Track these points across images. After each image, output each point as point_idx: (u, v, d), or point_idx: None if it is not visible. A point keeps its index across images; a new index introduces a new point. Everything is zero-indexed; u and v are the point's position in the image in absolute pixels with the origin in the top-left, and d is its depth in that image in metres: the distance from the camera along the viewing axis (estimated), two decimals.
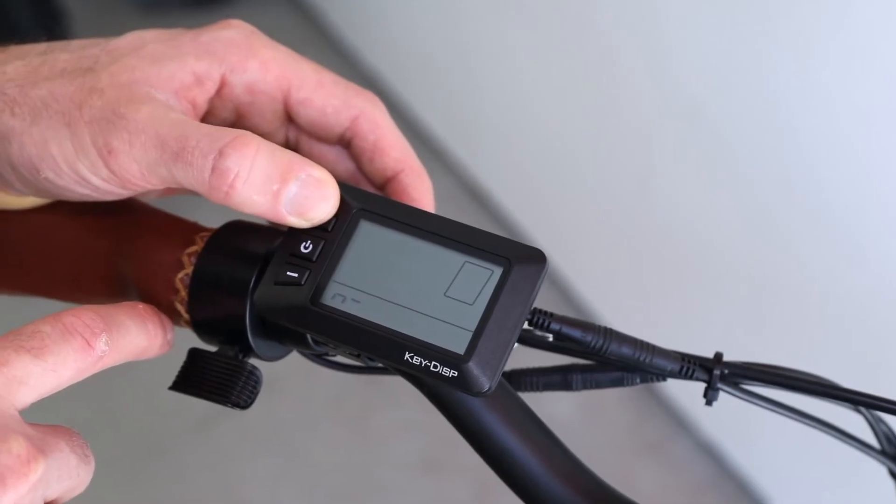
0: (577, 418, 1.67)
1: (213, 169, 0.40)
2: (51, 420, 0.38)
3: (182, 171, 0.41)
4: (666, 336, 1.58)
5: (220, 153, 0.40)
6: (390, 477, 1.64)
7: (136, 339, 0.42)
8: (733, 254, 1.44)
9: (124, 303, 0.42)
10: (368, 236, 0.43)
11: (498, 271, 0.42)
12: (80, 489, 0.39)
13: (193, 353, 0.45)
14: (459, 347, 0.40)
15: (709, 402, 0.47)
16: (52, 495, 0.37)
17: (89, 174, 0.43)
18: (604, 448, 1.64)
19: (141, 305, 0.43)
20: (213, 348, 0.46)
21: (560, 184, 1.76)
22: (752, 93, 1.30)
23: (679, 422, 1.67)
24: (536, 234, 1.87)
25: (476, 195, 1.99)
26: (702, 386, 0.46)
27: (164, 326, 0.44)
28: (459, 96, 1.97)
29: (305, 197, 0.42)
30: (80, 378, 0.39)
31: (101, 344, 0.39)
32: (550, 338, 0.47)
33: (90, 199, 0.45)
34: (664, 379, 0.47)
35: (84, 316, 0.39)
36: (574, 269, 1.79)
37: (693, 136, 1.42)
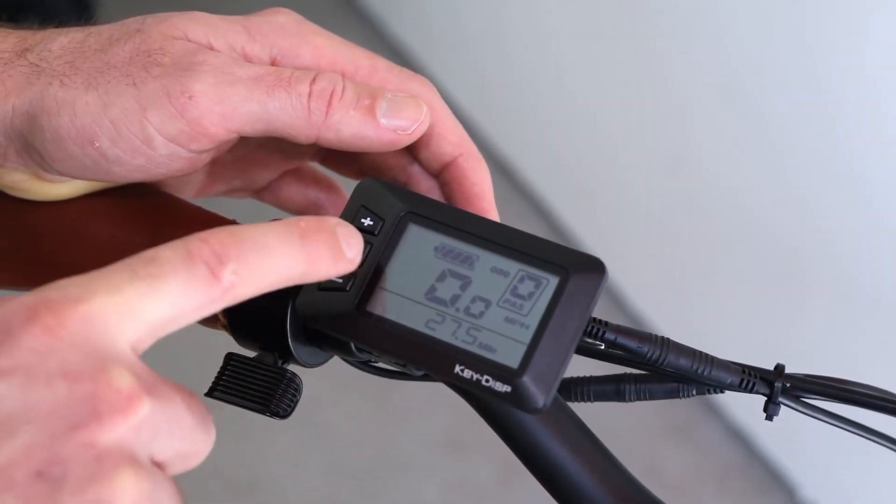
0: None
1: (311, 92, 0.42)
2: None
3: (278, 100, 0.42)
4: (701, 316, 1.54)
5: (315, 79, 0.43)
6: (414, 455, 1.63)
7: (285, 262, 0.35)
8: (771, 236, 1.42)
9: (279, 220, 0.37)
10: (417, 240, 0.41)
11: (554, 281, 0.40)
12: (196, 460, 0.33)
13: (231, 359, 0.43)
14: (513, 361, 0.39)
15: (769, 417, 0.45)
16: (160, 454, 0.32)
17: (154, 132, 0.41)
18: (632, 431, 1.62)
19: (304, 221, 0.37)
20: (251, 353, 0.44)
21: (590, 159, 1.74)
22: (792, 69, 1.27)
23: (708, 405, 1.66)
24: (564, 210, 1.84)
25: (504, 170, 1.96)
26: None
27: (334, 244, 0.37)
28: (489, 69, 1.94)
29: (399, 105, 0.44)
30: (208, 313, 0.34)
31: (227, 274, 0.34)
32: (602, 346, 0.45)
33: (136, 177, 0.44)
34: (722, 391, 0.45)
35: (213, 239, 0.34)
36: (605, 246, 1.77)
37: (729, 113, 1.39)
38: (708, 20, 1.37)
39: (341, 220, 0.38)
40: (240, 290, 0.34)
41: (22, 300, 0.31)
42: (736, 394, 0.46)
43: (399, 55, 2.15)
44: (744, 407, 1.60)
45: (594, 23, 1.59)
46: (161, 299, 0.33)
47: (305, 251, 0.36)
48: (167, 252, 0.33)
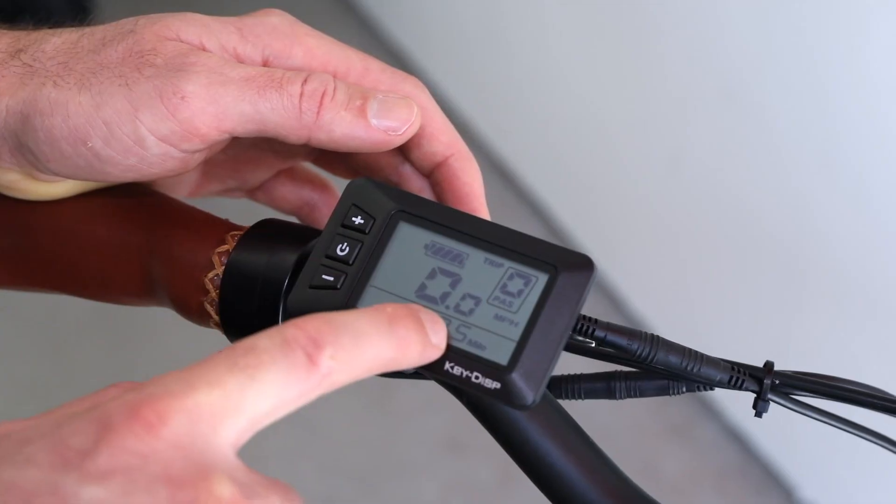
0: (601, 400, 1.66)
1: (302, 93, 0.43)
2: None
3: (270, 101, 0.42)
4: (700, 315, 1.54)
5: (306, 80, 0.43)
6: (413, 455, 1.63)
7: (379, 348, 0.36)
8: (770, 236, 1.42)
9: (368, 308, 0.37)
10: (407, 238, 0.42)
11: (543, 278, 0.40)
12: None
13: None
14: (502, 358, 0.39)
15: (758, 414, 0.46)
16: None
17: (147, 133, 0.42)
18: (628, 430, 1.62)
19: (390, 307, 0.37)
20: None
21: (591, 161, 1.74)
22: (792, 69, 1.27)
23: (705, 405, 1.66)
24: (563, 210, 1.85)
25: (502, 171, 1.97)
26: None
27: (421, 330, 0.38)
28: (487, 71, 1.94)
29: (390, 106, 0.44)
30: (305, 402, 0.34)
31: (325, 359, 0.34)
32: (592, 343, 0.45)
33: (129, 177, 0.44)
34: (712, 388, 0.46)
35: (308, 326, 0.34)
36: (602, 247, 1.77)
37: (729, 114, 1.40)
38: (708, 20, 1.37)
39: (422, 308, 0.39)
40: (337, 377, 0.34)
41: (125, 398, 0.30)
42: (733, 393, 0.46)
43: (395, 55, 2.16)
44: (742, 407, 1.60)
45: (594, 22, 1.59)
46: (262, 390, 0.32)
47: (396, 337, 0.36)
48: (264, 341, 0.33)
